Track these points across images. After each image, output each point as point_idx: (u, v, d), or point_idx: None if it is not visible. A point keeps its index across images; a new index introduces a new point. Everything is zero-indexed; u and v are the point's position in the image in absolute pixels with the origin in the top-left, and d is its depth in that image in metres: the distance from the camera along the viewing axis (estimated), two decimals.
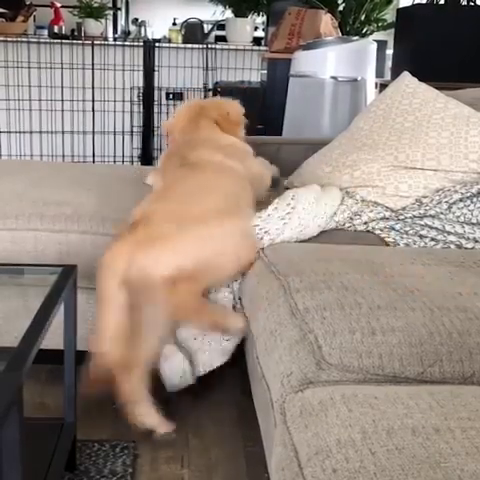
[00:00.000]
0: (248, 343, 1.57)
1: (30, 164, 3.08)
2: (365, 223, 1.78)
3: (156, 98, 4.59)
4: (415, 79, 2.10)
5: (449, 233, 1.72)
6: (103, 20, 4.75)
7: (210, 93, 4.47)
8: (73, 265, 1.47)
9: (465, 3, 3.74)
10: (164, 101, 4.65)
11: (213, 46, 4.63)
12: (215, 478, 1.56)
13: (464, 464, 0.77)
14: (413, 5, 3.87)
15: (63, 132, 4.53)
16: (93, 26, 4.67)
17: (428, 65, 3.28)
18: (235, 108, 2.07)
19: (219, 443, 1.69)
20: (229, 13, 5.04)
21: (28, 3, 4.90)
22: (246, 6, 4.76)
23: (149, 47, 4.47)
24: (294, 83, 3.47)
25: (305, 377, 1.08)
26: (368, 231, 1.77)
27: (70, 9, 4.90)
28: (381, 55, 4.14)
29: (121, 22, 7.11)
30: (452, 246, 1.70)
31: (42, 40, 4.52)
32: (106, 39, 4.85)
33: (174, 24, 6.80)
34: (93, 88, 4.45)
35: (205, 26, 4.92)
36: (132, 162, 4.64)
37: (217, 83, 4.39)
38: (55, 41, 4.50)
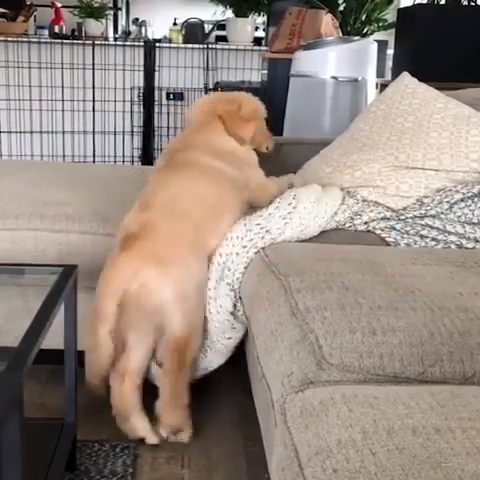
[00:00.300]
0: (248, 343, 1.57)
1: (30, 164, 3.08)
2: (366, 223, 1.78)
3: (156, 98, 4.60)
4: (415, 79, 2.10)
5: (450, 233, 1.72)
6: (104, 20, 4.76)
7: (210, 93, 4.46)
8: (73, 265, 1.47)
9: (466, 3, 3.74)
10: (164, 101, 4.65)
11: (214, 46, 4.63)
12: (215, 478, 1.56)
13: (464, 464, 0.77)
14: (414, 5, 3.86)
15: (63, 132, 4.54)
16: (94, 26, 4.68)
17: (429, 65, 3.28)
18: (250, 104, 1.90)
19: (219, 443, 1.69)
20: (230, 13, 5.04)
21: (29, 3, 4.91)
22: (247, 6, 4.75)
23: (150, 47, 4.47)
24: (295, 83, 3.47)
25: (306, 377, 1.08)
26: (369, 231, 1.77)
27: (71, 9, 4.90)
28: (382, 55, 4.13)
29: (122, 22, 7.12)
30: (453, 246, 1.70)
31: (43, 40, 4.52)
32: (107, 39, 4.85)
33: (175, 24, 6.81)
34: (93, 88, 4.45)
35: (206, 26, 4.92)
36: (132, 162, 4.64)
37: (218, 83, 4.39)
38: (56, 41, 4.51)
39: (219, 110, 1.84)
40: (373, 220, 1.78)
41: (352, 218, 1.77)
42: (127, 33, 6.91)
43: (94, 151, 4.54)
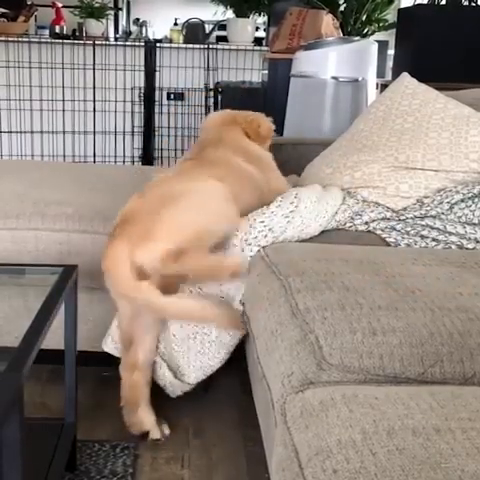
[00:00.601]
0: (249, 343, 1.57)
1: (31, 164, 3.08)
2: (366, 223, 1.78)
3: (157, 98, 4.60)
4: (414, 80, 2.10)
5: (450, 233, 1.72)
6: (104, 20, 4.76)
7: (211, 93, 4.47)
8: (74, 265, 1.48)
9: (466, 3, 3.74)
10: (165, 101, 4.66)
11: (214, 46, 4.63)
12: (215, 478, 1.56)
13: (465, 465, 0.77)
14: (414, 5, 3.87)
15: (64, 132, 4.54)
16: (94, 26, 4.68)
17: (429, 65, 3.28)
18: (266, 124, 2.02)
19: (219, 443, 1.69)
20: (230, 13, 5.04)
21: (29, 3, 4.91)
22: (247, 6, 4.75)
23: (150, 47, 4.47)
24: (295, 83, 3.47)
25: (306, 377, 1.08)
26: (369, 231, 1.77)
27: (71, 9, 4.90)
28: (382, 55, 4.14)
29: (122, 22, 7.12)
30: (453, 246, 1.70)
31: (43, 40, 4.52)
32: (107, 39, 4.85)
33: (175, 24, 6.81)
34: (94, 88, 4.45)
35: (206, 26, 4.93)
36: (133, 162, 4.65)
37: (218, 83, 4.39)
38: (56, 41, 4.51)
39: (241, 124, 1.95)
40: (373, 220, 1.78)
41: (352, 218, 1.78)
42: (128, 33, 6.92)
43: (94, 151, 4.54)
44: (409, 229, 1.74)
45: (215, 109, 4.22)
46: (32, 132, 4.49)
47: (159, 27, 7.16)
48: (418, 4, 3.85)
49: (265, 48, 4.56)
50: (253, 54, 4.61)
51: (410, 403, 0.90)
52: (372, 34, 4.14)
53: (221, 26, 5.07)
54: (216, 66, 4.57)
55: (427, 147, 1.88)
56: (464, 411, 0.88)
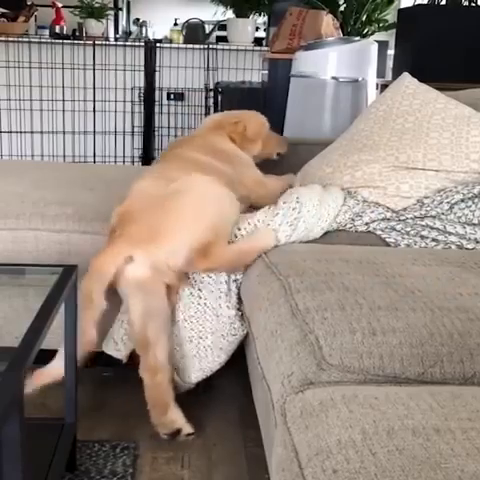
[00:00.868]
0: (249, 343, 1.57)
1: (31, 164, 3.08)
2: (366, 224, 1.78)
3: (157, 98, 4.60)
4: (415, 80, 2.10)
5: (450, 234, 1.72)
6: (104, 20, 4.76)
7: (211, 93, 4.47)
8: (74, 265, 1.48)
9: (466, 3, 3.74)
10: (165, 101, 4.66)
11: (214, 46, 4.63)
12: (215, 478, 1.56)
13: (464, 465, 0.77)
14: (414, 5, 3.87)
15: (64, 132, 4.54)
16: (94, 26, 4.68)
17: (429, 65, 3.28)
18: (253, 125, 2.04)
19: (220, 443, 1.69)
20: (230, 13, 5.04)
21: (29, 3, 4.90)
22: (247, 6, 4.76)
23: (150, 47, 4.47)
24: (295, 83, 3.46)
25: (306, 378, 1.08)
26: (369, 232, 1.77)
27: (71, 9, 4.90)
28: (382, 55, 4.13)
29: (122, 22, 7.12)
30: (453, 247, 1.70)
31: (43, 40, 4.52)
32: (107, 39, 4.85)
33: (175, 24, 6.81)
34: (94, 88, 4.45)
35: (206, 26, 4.93)
36: (133, 162, 4.64)
37: (218, 83, 4.39)
38: (56, 41, 4.51)
39: (227, 130, 1.99)
40: (374, 221, 1.78)
41: (353, 219, 1.78)
42: (128, 33, 6.92)
43: (94, 151, 4.54)
44: (409, 229, 1.74)
45: (215, 109, 4.22)
46: (32, 132, 4.49)
47: (159, 27, 7.16)
48: (418, 4, 3.85)
49: (265, 48, 4.56)
50: (253, 54, 4.60)
51: (410, 403, 0.90)
52: (372, 34, 4.14)
53: (221, 26, 5.07)
54: (216, 66, 4.57)
55: (428, 147, 1.88)
56: (464, 411, 0.88)
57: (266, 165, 2.08)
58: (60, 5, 5.01)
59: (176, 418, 1.59)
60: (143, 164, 4.52)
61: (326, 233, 1.75)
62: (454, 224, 1.75)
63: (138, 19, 7.19)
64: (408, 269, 1.40)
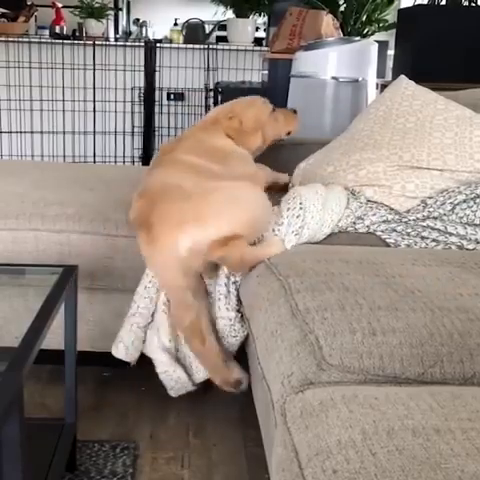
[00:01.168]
0: (249, 344, 1.57)
1: (31, 164, 3.08)
2: (367, 226, 1.77)
3: (157, 98, 4.60)
4: (412, 82, 2.09)
5: (451, 234, 1.72)
6: (104, 20, 4.76)
7: (211, 93, 4.47)
8: (74, 265, 1.48)
9: (466, 3, 3.74)
10: (165, 101, 4.66)
11: (214, 46, 4.63)
12: (215, 478, 1.56)
13: (464, 465, 0.77)
14: (414, 6, 3.87)
15: (64, 132, 4.54)
16: (94, 26, 4.68)
17: (429, 65, 3.28)
18: (250, 114, 1.94)
19: (220, 443, 1.69)
20: (230, 13, 5.04)
21: (29, 3, 4.91)
22: (247, 6, 4.76)
23: (150, 47, 4.47)
24: (295, 83, 3.47)
25: (306, 378, 1.08)
26: (369, 232, 1.77)
27: (71, 9, 4.91)
28: (382, 56, 4.13)
29: (122, 22, 7.12)
30: (453, 247, 1.70)
31: (43, 40, 4.52)
32: (107, 39, 4.85)
33: (175, 24, 6.81)
34: (94, 88, 4.45)
35: (206, 26, 4.93)
36: (133, 162, 4.65)
37: (218, 83, 4.39)
38: (56, 41, 4.51)
39: (223, 125, 1.91)
40: (374, 223, 1.77)
41: (354, 222, 1.76)
42: (128, 33, 6.92)
43: (94, 151, 4.54)
44: (410, 230, 1.74)
45: None
46: (32, 132, 4.49)
47: (159, 27, 7.16)
48: (418, 4, 3.85)
49: (265, 48, 4.56)
50: (253, 54, 4.61)
51: (410, 403, 0.90)
52: (372, 34, 4.14)
53: (221, 26, 5.08)
54: (216, 66, 4.57)
55: (432, 146, 1.87)
56: (464, 411, 0.88)
57: (266, 165, 2.08)
58: (60, 5, 5.01)
59: (235, 370, 1.62)
60: (143, 164, 4.52)
61: None
62: (455, 224, 1.74)
63: (138, 19, 7.19)
64: (408, 269, 1.40)
